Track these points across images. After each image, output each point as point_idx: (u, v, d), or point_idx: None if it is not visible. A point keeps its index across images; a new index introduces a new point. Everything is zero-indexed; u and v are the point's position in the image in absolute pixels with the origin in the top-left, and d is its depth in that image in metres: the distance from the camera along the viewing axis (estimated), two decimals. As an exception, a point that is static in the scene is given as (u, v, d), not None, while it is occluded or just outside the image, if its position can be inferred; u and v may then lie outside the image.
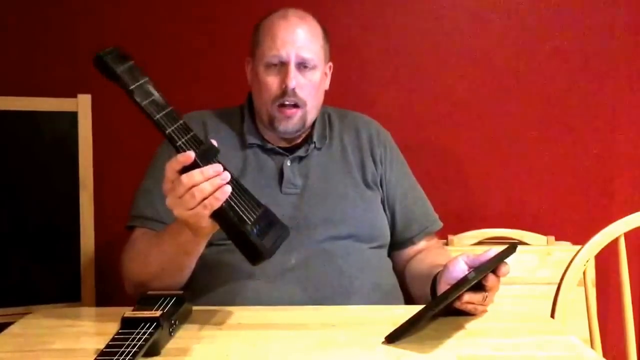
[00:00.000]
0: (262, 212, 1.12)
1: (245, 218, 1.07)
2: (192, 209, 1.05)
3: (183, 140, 1.06)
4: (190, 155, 1.04)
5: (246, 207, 1.09)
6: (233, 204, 1.07)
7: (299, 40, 1.36)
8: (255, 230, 1.08)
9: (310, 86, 1.37)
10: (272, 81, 1.36)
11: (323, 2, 1.98)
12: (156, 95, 1.08)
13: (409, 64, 2.04)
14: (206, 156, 1.06)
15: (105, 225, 1.87)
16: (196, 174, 1.04)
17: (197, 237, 1.15)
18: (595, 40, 2.03)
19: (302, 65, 1.36)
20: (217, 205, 1.05)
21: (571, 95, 2.04)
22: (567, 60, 2.03)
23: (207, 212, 1.06)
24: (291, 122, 1.37)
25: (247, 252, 1.09)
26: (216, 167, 1.05)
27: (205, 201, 1.04)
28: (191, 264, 1.25)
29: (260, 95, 1.39)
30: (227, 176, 1.06)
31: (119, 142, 1.99)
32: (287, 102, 1.35)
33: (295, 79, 1.34)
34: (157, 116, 1.06)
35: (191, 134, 1.08)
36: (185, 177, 1.04)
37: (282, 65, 1.36)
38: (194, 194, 1.04)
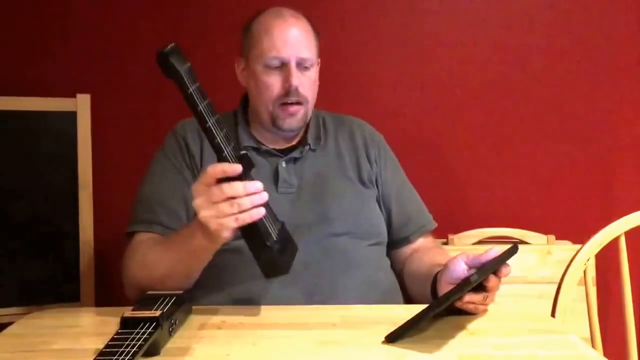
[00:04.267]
0: (281, 227, 1.16)
1: (271, 232, 1.11)
2: (222, 217, 1.06)
3: (229, 150, 1.07)
4: (238, 169, 1.06)
5: (271, 222, 1.13)
6: (263, 217, 1.09)
7: (298, 40, 1.36)
8: (277, 246, 1.11)
9: (309, 83, 1.39)
10: (274, 81, 1.36)
11: (318, 1, 1.97)
12: (208, 100, 1.08)
13: (409, 64, 2.04)
14: (246, 169, 1.07)
15: (105, 225, 1.87)
16: (239, 186, 1.06)
17: (210, 244, 1.15)
18: (595, 39, 2.03)
19: (301, 65, 1.37)
20: (248, 221, 1.07)
21: (571, 94, 2.04)
22: (567, 60, 2.03)
23: (236, 225, 1.07)
24: (295, 119, 1.38)
25: (267, 266, 1.12)
26: (258, 185, 1.07)
27: (239, 215, 1.06)
28: (198, 270, 1.24)
29: (260, 96, 1.39)
30: (265, 196, 1.08)
31: (118, 142, 1.99)
32: (290, 101, 1.36)
33: (297, 78, 1.35)
34: (209, 122, 1.06)
35: (233, 143, 1.09)
36: (227, 187, 1.06)
37: (283, 66, 1.36)
38: (233, 205, 1.06)
